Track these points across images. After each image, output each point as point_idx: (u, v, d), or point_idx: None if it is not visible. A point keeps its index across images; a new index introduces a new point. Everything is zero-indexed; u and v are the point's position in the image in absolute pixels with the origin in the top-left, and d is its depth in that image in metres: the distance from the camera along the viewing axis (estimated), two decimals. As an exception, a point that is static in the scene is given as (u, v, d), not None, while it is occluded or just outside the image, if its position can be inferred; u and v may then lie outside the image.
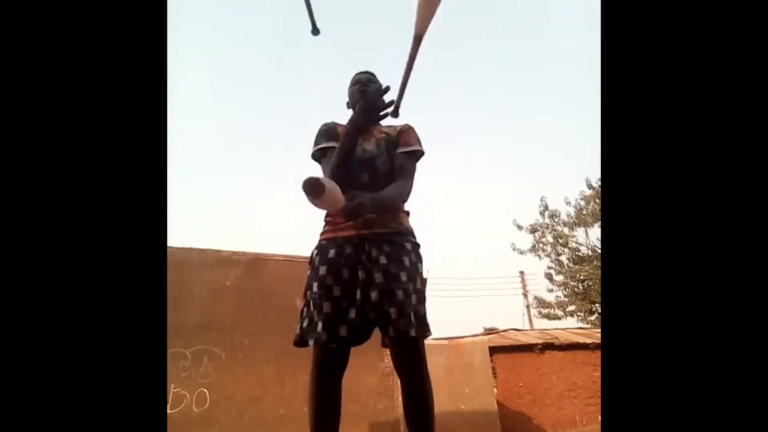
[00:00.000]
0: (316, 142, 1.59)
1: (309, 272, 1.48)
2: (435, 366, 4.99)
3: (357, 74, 1.72)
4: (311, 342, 1.35)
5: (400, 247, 1.42)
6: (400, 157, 1.55)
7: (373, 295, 1.33)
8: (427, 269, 5.89)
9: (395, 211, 1.49)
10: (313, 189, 1.08)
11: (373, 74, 1.71)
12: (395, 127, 1.65)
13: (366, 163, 1.51)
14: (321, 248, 1.48)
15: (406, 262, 1.39)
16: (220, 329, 4.54)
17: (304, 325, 1.40)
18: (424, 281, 1.45)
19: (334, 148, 1.49)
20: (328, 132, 1.59)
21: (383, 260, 1.37)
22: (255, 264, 4.97)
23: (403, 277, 1.35)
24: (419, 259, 1.47)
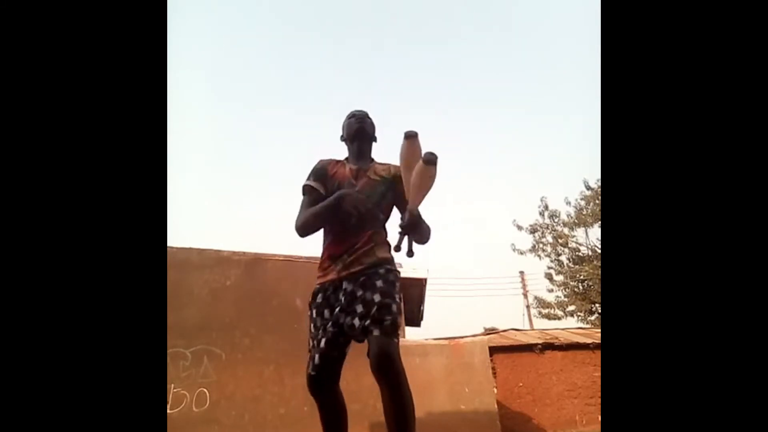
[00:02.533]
0: (308, 177, 1.73)
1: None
2: (435, 366, 5.00)
3: (353, 112, 1.85)
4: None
5: (374, 274, 1.54)
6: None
7: (356, 321, 1.47)
8: (427, 269, 5.89)
9: (375, 243, 1.60)
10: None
11: (367, 113, 1.85)
12: (389, 167, 1.76)
13: None
14: (314, 294, 1.65)
15: (380, 283, 1.51)
16: (220, 329, 4.54)
17: (310, 366, 1.55)
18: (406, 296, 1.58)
19: (315, 189, 1.67)
20: (317, 172, 1.72)
21: (359, 292, 1.50)
22: (255, 264, 4.97)
23: (377, 297, 1.47)
24: (396, 278, 1.58)
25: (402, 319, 5.33)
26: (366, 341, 1.45)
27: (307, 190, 1.69)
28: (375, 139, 1.84)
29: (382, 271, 1.55)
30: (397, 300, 1.51)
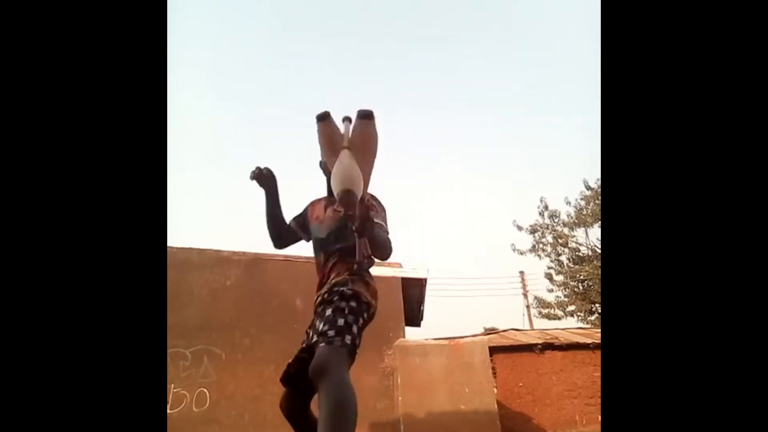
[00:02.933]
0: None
1: None
2: (435, 366, 5.00)
3: None
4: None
5: (321, 302, 1.55)
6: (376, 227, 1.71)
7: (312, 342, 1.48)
8: (427, 269, 5.89)
9: (337, 272, 1.61)
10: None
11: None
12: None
13: (323, 244, 1.67)
14: None
15: (327, 310, 1.48)
16: (220, 329, 4.54)
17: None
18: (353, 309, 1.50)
19: (290, 227, 1.86)
20: (299, 215, 1.88)
21: (320, 309, 1.53)
22: (255, 264, 4.97)
23: (321, 323, 1.45)
24: (344, 294, 1.52)
25: (402, 320, 5.33)
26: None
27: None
28: None
29: (326, 295, 1.55)
30: (345, 311, 1.46)
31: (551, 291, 13.45)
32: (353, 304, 1.49)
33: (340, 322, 1.42)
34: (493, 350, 6.19)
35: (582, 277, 12.51)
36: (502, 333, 8.04)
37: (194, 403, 4.25)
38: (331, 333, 1.38)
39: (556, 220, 13.44)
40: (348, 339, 1.39)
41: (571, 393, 6.92)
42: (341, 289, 1.52)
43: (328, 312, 1.45)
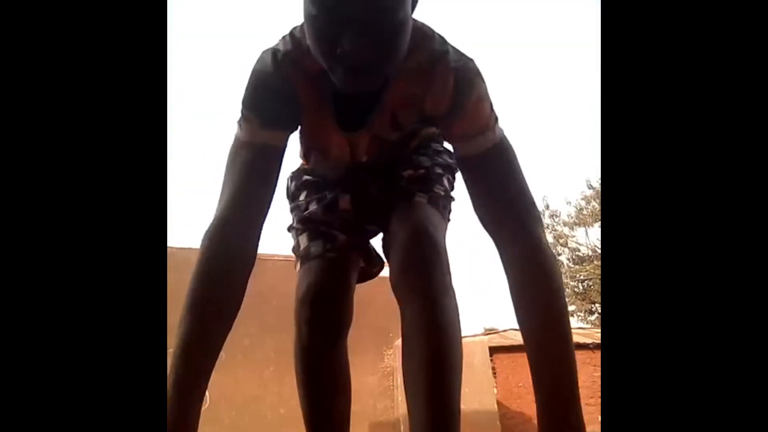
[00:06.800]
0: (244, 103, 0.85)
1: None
2: (435, 366, 5.02)
3: None
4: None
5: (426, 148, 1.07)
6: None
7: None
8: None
9: None
10: None
11: None
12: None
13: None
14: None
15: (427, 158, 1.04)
16: (220, 329, 4.53)
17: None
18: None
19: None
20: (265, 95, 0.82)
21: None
22: (255, 264, 4.96)
23: (424, 159, 1.02)
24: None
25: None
26: None
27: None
28: None
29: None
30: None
31: (551, 291, 13.43)
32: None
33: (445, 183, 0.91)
34: (493, 350, 6.19)
35: (582, 277, 12.54)
36: (502, 333, 8.04)
37: (194, 403, 4.25)
38: (440, 189, 0.87)
39: (556, 220, 13.48)
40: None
41: (571, 393, 6.92)
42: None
43: (429, 163, 0.92)
